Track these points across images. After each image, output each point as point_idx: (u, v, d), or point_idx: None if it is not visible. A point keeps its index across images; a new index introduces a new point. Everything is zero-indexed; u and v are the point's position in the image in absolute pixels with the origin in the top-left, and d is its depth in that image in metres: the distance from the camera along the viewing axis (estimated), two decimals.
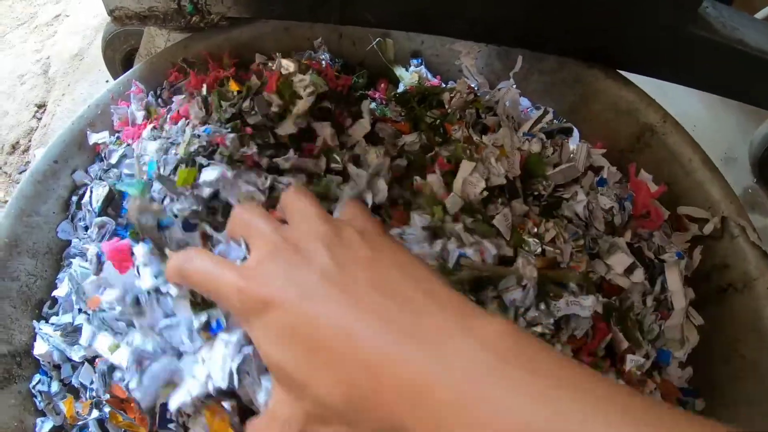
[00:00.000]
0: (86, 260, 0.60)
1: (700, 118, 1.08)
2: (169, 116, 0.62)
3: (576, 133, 0.70)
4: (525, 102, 0.70)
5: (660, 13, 0.64)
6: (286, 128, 0.58)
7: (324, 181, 0.55)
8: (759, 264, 0.60)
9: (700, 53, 0.70)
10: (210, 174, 0.52)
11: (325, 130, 0.58)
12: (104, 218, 0.60)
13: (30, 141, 1.00)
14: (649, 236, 0.63)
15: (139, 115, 0.66)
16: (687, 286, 0.61)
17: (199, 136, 0.57)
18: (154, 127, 0.63)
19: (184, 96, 0.63)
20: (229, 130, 0.56)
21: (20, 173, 0.97)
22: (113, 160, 0.64)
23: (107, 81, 0.94)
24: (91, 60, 1.06)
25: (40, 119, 1.02)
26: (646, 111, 0.68)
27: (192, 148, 0.56)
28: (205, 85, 0.62)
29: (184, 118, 0.60)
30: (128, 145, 0.64)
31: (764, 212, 1.03)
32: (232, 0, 0.63)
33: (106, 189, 0.62)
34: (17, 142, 0.99)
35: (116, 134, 0.67)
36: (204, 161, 0.54)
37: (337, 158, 0.56)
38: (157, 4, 0.67)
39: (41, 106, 1.04)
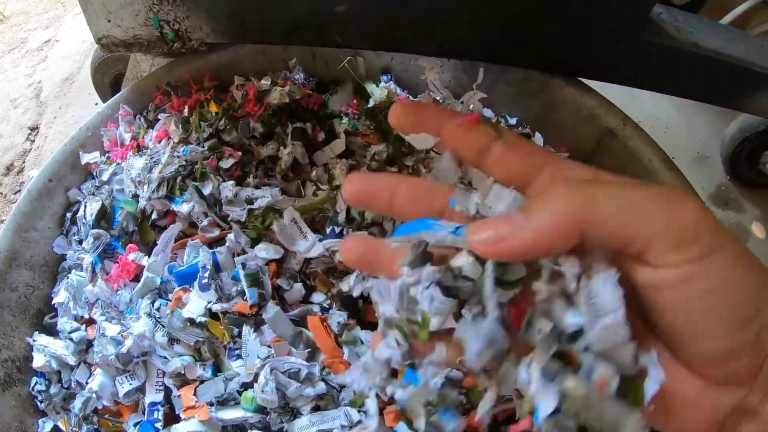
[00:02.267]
0: (82, 270, 0.68)
1: (672, 120, 1.15)
2: (153, 135, 0.69)
3: (540, 138, 0.77)
4: (489, 112, 0.77)
5: (612, 23, 0.71)
6: (269, 150, 0.67)
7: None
8: None
9: (656, 58, 0.76)
10: (184, 207, 0.61)
11: (296, 150, 0.66)
12: (99, 230, 0.68)
13: (24, 162, 1.08)
14: None
15: (127, 136, 0.73)
16: None
17: (178, 156, 0.64)
18: (140, 146, 0.70)
19: (167, 115, 0.70)
20: (206, 149, 0.63)
21: (15, 193, 1.05)
22: (104, 177, 0.71)
23: (97, 104, 1.02)
24: (81, 83, 1.14)
25: (33, 141, 1.11)
26: (606, 115, 0.75)
27: (171, 168, 0.63)
28: (187, 107, 0.70)
29: (166, 138, 0.68)
30: (118, 164, 0.72)
31: (737, 208, 1.10)
32: (211, 27, 0.71)
33: (99, 203, 0.69)
34: (12, 164, 1.07)
35: (106, 154, 0.74)
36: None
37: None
38: (142, 32, 0.74)
39: (34, 129, 1.12)
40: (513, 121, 0.78)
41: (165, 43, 0.74)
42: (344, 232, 0.61)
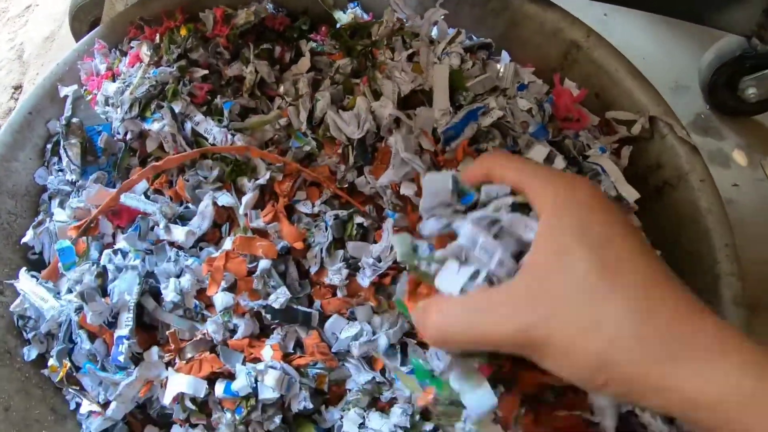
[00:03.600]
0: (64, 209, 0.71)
1: (649, 50, 1.18)
2: (126, 61, 0.73)
3: (506, 55, 0.80)
4: (452, 31, 0.80)
5: None
6: (234, 69, 0.70)
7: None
8: (689, 158, 0.69)
9: None
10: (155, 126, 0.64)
11: (262, 69, 0.69)
12: (98, 172, 0.71)
13: None
14: (575, 136, 0.72)
15: (102, 67, 0.77)
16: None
17: (148, 78, 0.68)
18: (114, 75, 0.74)
19: (139, 42, 0.74)
20: (175, 69, 0.67)
21: None
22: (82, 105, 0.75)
23: None
24: (61, 40, 1.18)
25: (17, 99, 1.15)
26: (571, 29, 0.78)
27: (142, 89, 0.67)
28: (158, 34, 0.74)
29: (139, 62, 0.72)
30: (94, 95, 0.76)
31: (718, 136, 1.13)
32: None
33: (78, 145, 0.72)
34: None
35: (83, 87, 0.78)
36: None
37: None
38: None
39: (18, 88, 1.17)
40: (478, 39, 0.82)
41: None
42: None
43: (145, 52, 0.71)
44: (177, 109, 0.67)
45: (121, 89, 0.69)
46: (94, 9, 0.96)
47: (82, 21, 0.97)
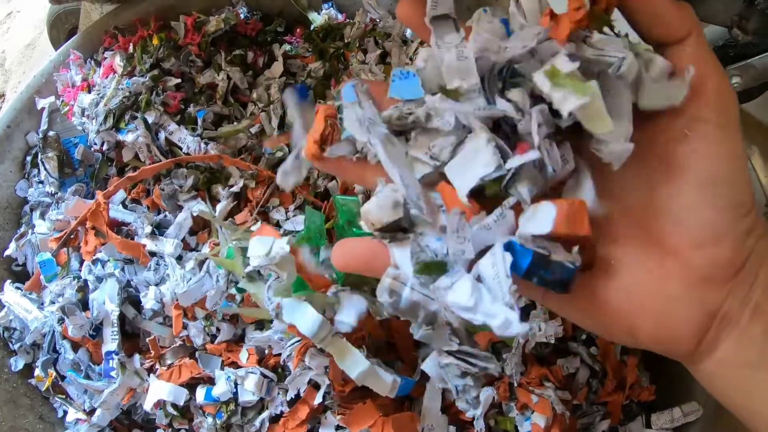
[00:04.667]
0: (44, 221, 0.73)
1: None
2: (100, 72, 0.74)
3: None
4: None
5: None
6: (207, 77, 0.72)
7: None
8: None
9: None
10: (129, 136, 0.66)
11: (234, 75, 0.71)
12: (76, 184, 0.73)
13: None
14: None
15: (78, 78, 0.78)
16: None
17: (122, 89, 0.70)
18: (90, 86, 0.76)
19: (113, 53, 0.76)
20: (147, 79, 0.69)
21: None
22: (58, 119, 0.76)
23: None
24: (42, 47, 1.20)
25: (0, 107, 1.17)
26: None
27: (116, 101, 0.69)
28: (131, 44, 0.75)
29: (112, 73, 0.73)
30: (71, 106, 0.77)
31: None
32: None
33: (55, 158, 0.74)
34: None
35: (60, 98, 0.80)
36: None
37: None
38: None
39: (0, 96, 1.19)
40: None
41: None
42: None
43: (118, 63, 0.72)
44: (151, 120, 0.68)
45: (95, 101, 0.71)
46: (71, 18, 0.97)
47: (60, 29, 0.99)
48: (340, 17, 0.82)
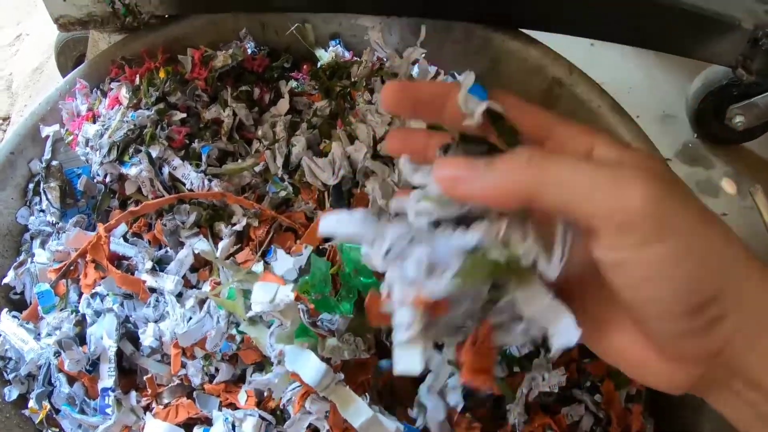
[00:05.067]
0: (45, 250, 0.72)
1: (635, 81, 1.19)
2: (105, 103, 0.74)
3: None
4: (434, 69, 0.81)
5: None
6: (212, 112, 0.72)
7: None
8: None
9: (603, 6, 0.79)
10: (132, 170, 0.65)
11: (240, 111, 0.71)
12: (78, 216, 0.72)
13: None
14: None
15: (83, 107, 0.78)
16: None
17: (127, 121, 0.69)
18: (95, 116, 0.75)
19: (119, 84, 0.75)
20: (153, 112, 0.68)
21: None
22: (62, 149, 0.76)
23: None
24: (50, 72, 1.20)
25: (5, 131, 1.17)
26: (553, 66, 0.79)
27: (120, 133, 0.68)
28: (138, 76, 0.75)
29: (118, 104, 0.73)
30: (75, 135, 0.77)
31: (706, 165, 1.14)
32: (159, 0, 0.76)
33: (57, 188, 0.73)
34: None
35: (65, 127, 0.79)
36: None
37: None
38: (95, 9, 0.80)
39: (6, 119, 1.19)
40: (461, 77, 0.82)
41: (118, 18, 0.80)
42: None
43: (124, 94, 0.72)
44: (155, 154, 0.68)
45: (100, 132, 0.70)
46: (79, 45, 0.97)
47: (68, 56, 0.99)
48: (347, 55, 0.82)
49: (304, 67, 0.82)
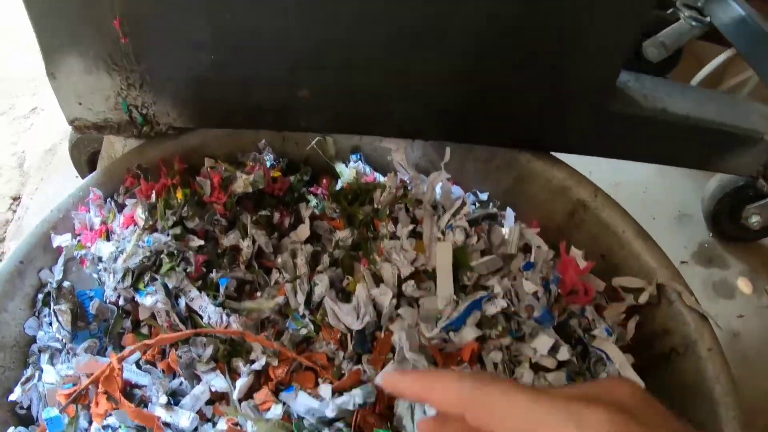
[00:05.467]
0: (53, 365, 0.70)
1: (651, 181, 1.18)
2: (120, 220, 0.72)
3: (511, 213, 0.79)
4: (458, 190, 0.80)
5: (577, 96, 0.73)
6: (231, 239, 0.70)
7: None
8: (698, 326, 0.68)
9: (625, 127, 0.79)
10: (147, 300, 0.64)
11: (259, 239, 0.69)
12: (89, 340, 0.70)
13: (5, 232, 1.12)
14: (581, 312, 0.71)
15: (97, 220, 0.76)
16: (626, 353, 0.68)
17: (142, 246, 0.67)
18: (108, 231, 0.73)
19: (135, 201, 0.74)
20: (170, 238, 0.66)
21: None
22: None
23: (77, 176, 1.07)
24: (62, 155, 1.17)
25: (15, 211, 1.15)
26: (578, 188, 0.78)
27: (136, 260, 0.66)
28: (154, 192, 0.73)
29: (133, 224, 0.71)
30: (87, 248, 0.75)
31: (722, 265, 1.12)
32: (177, 113, 0.75)
33: (68, 312, 0.71)
34: None
35: (77, 237, 0.77)
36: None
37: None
38: (112, 116, 0.78)
39: (16, 199, 1.16)
40: (484, 196, 0.81)
41: (134, 127, 0.78)
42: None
43: (139, 215, 0.70)
44: (171, 285, 0.66)
45: (114, 255, 0.68)
46: (93, 142, 0.96)
47: (82, 151, 0.97)
48: (368, 170, 0.81)
49: (324, 181, 0.80)
